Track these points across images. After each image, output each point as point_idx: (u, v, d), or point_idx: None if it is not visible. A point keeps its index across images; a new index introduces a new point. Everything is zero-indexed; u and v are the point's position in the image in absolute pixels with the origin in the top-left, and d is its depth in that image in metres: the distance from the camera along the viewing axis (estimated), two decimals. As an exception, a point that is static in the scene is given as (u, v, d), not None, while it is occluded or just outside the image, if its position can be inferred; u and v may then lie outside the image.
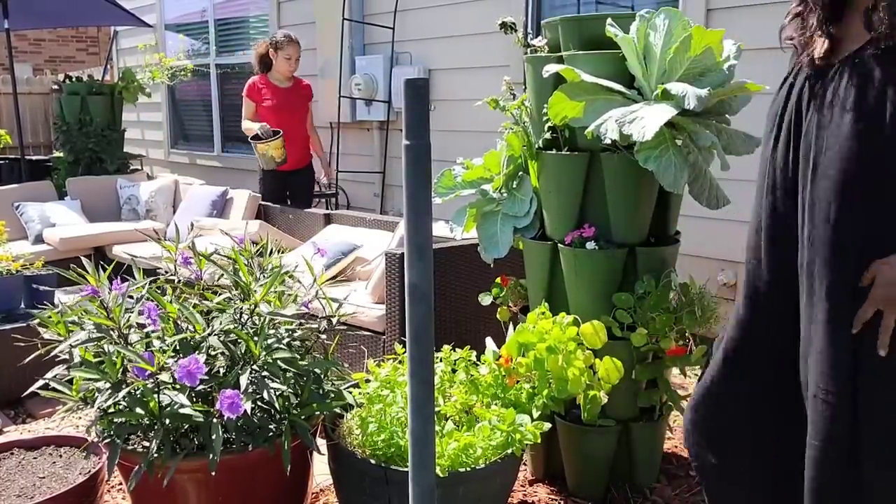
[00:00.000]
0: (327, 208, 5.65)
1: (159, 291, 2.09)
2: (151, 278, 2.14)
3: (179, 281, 2.21)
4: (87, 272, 1.99)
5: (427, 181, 1.03)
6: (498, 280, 2.68)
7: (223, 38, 7.69)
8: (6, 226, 3.99)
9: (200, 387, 1.85)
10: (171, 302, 1.98)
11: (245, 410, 1.76)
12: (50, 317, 2.00)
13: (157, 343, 1.91)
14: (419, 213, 1.03)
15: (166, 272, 2.23)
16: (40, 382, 1.94)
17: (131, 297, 2.05)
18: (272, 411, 1.95)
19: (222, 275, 2.10)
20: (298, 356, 2.00)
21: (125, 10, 7.01)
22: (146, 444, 1.88)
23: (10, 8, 6.16)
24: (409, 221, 1.03)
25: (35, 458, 2.20)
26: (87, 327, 1.95)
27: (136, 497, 1.99)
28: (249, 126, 4.91)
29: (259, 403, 1.93)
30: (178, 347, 1.87)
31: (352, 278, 3.82)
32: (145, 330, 1.92)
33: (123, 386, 1.82)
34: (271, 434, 1.92)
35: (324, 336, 2.17)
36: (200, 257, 2.18)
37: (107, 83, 6.97)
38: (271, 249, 2.24)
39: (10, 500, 1.96)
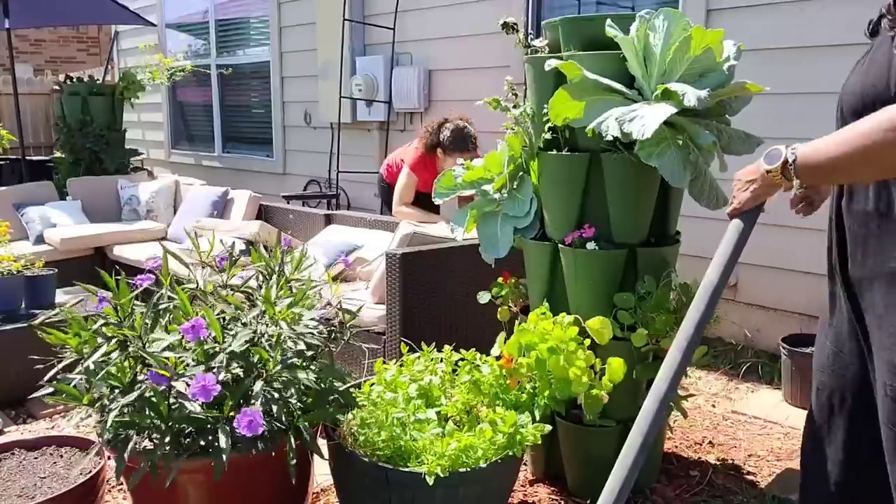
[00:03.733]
0: (328, 208, 5.65)
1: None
2: (186, 288, 2.10)
3: (197, 287, 2.17)
4: (99, 275, 1.96)
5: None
6: (500, 280, 2.68)
7: (224, 38, 7.69)
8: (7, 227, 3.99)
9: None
10: (195, 311, 1.96)
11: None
12: (65, 330, 1.96)
13: (171, 351, 1.90)
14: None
15: (183, 278, 2.20)
16: (46, 391, 1.93)
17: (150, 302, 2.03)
18: (278, 415, 1.95)
19: (248, 279, 2.09)
20: (312, 367, 2.00)
21: (127, 9, 7.02)
22: (148, 444, 1.88)
23: (11, 6, 6.16)
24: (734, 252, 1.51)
25: (36, 458, 2.20)
26: (101, 341, 1.92)
27: (137, 497, 1.99)
28: (410, 213, 4.26)
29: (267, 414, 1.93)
30: (195, 356, 1.86)
31: (352, 279, 3.82)
32: (175, 339, 1.90)
33: (134, 389, 1.81)
34: (273, 435, 1.92)
35: (332, 345, 2.17)
36: (230, 263, 2.17)
37: (107, 84, 6.98)
38: (297, 263, 2.20)
39: (10, 501, 1.97)
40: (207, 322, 1.85)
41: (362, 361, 3.16)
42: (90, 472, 2.08)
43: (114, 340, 1.90)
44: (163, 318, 2.00)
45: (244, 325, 1.98)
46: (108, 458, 2.15)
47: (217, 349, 1.88)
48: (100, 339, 1.92)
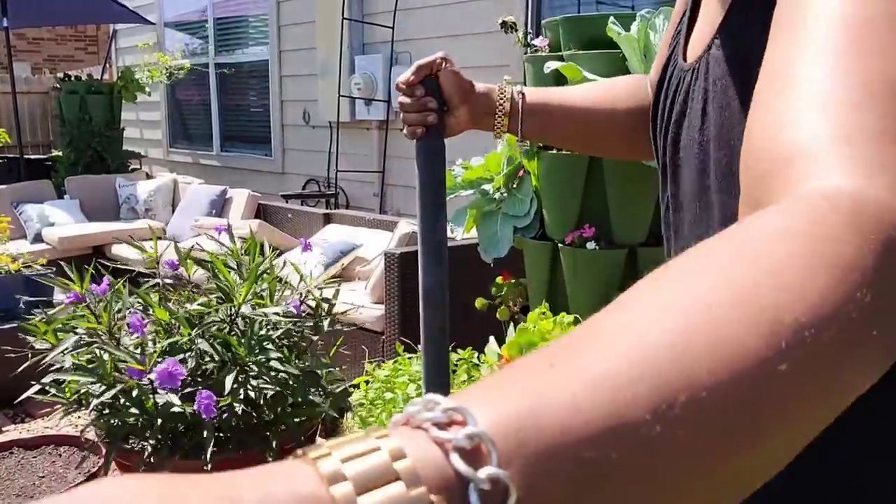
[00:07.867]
0: (327, 208, 5.65)
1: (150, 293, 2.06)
2: (150, 281, 2.11)
3: (165, 283, 2.16)
4: (73, 277, 1.96)
5: (442, 178, 0.99)
6: (499, 279, 2.68)
7: (222, 37, 7.68)
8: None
9: (189, 389, 1.84)
10: (160, 305, 1.96)
11: (236, 411, 1.76)
12: (36, 325, 1.97)
13: (150, 345, 1.90)
14: (433, 211, 0.96)
15: (159, 273, 2.19)
16: (35, 388, 1.92)
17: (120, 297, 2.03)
18: (265, 411, 1.94)
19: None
20: (287, 357, 1.98)
21: (126, 8, 7.01)
22: (144, 443, 1.87)
23: (9, 6, 6.15)
24: (422, 221, 0.95)
25: (34, 457, 2.19)
26: (78, 332, 1.92)
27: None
28: None
29: (249, 406, 1.92)
30: (167, 350, 1.86)
31: (351, 278, 3.82)
32: (135, 335, 1.90)
33: (117, 386, 1.81)
34: (267, 435, 1.92)
35: (316, 337, 2.14)
36: (187, 260, 2.14)
37: (106, 82, 6.97)
38: (261, 247, 2.18)
39: (9, 500, 1.96)
40: (148, 321, 1.85)
41: (362, 361, 3.16)
42: (88, 471, 2.07)
43: (82, 330, 1.90)
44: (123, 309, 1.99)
45: (214, 315, 1.97)
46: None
47: (184, 341, 1.88)
48: (72, 333, 1.92)
